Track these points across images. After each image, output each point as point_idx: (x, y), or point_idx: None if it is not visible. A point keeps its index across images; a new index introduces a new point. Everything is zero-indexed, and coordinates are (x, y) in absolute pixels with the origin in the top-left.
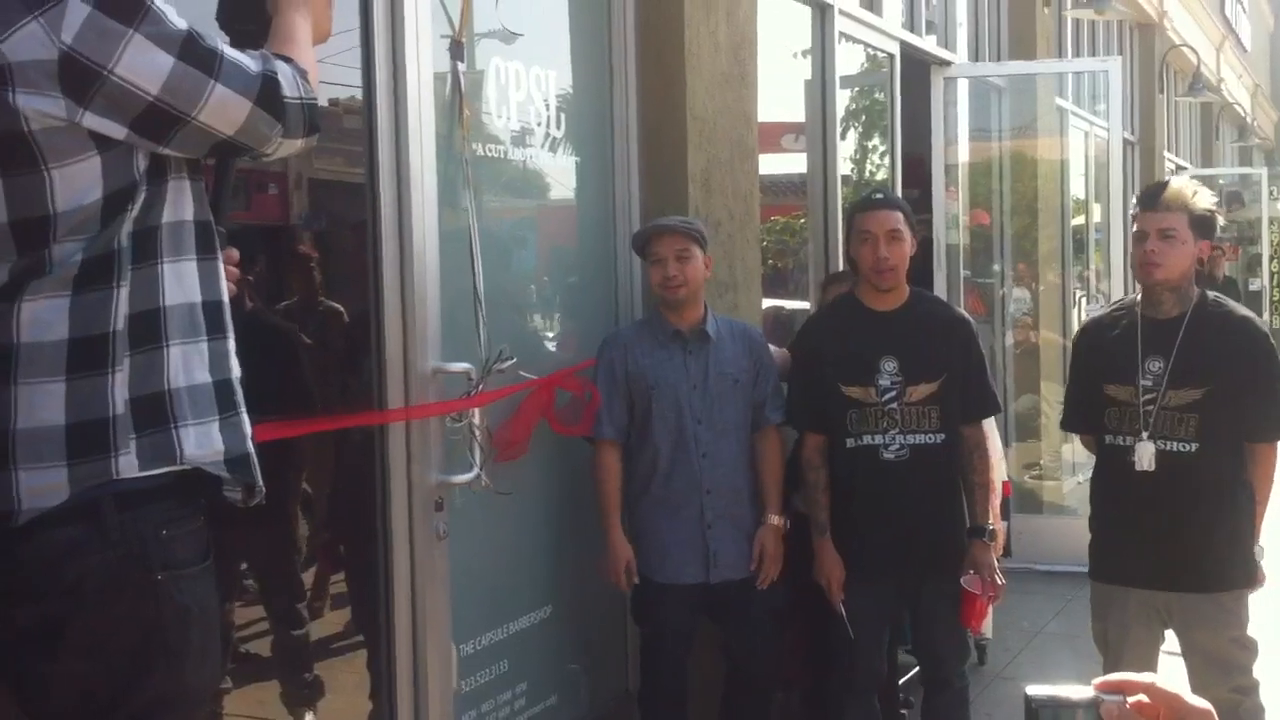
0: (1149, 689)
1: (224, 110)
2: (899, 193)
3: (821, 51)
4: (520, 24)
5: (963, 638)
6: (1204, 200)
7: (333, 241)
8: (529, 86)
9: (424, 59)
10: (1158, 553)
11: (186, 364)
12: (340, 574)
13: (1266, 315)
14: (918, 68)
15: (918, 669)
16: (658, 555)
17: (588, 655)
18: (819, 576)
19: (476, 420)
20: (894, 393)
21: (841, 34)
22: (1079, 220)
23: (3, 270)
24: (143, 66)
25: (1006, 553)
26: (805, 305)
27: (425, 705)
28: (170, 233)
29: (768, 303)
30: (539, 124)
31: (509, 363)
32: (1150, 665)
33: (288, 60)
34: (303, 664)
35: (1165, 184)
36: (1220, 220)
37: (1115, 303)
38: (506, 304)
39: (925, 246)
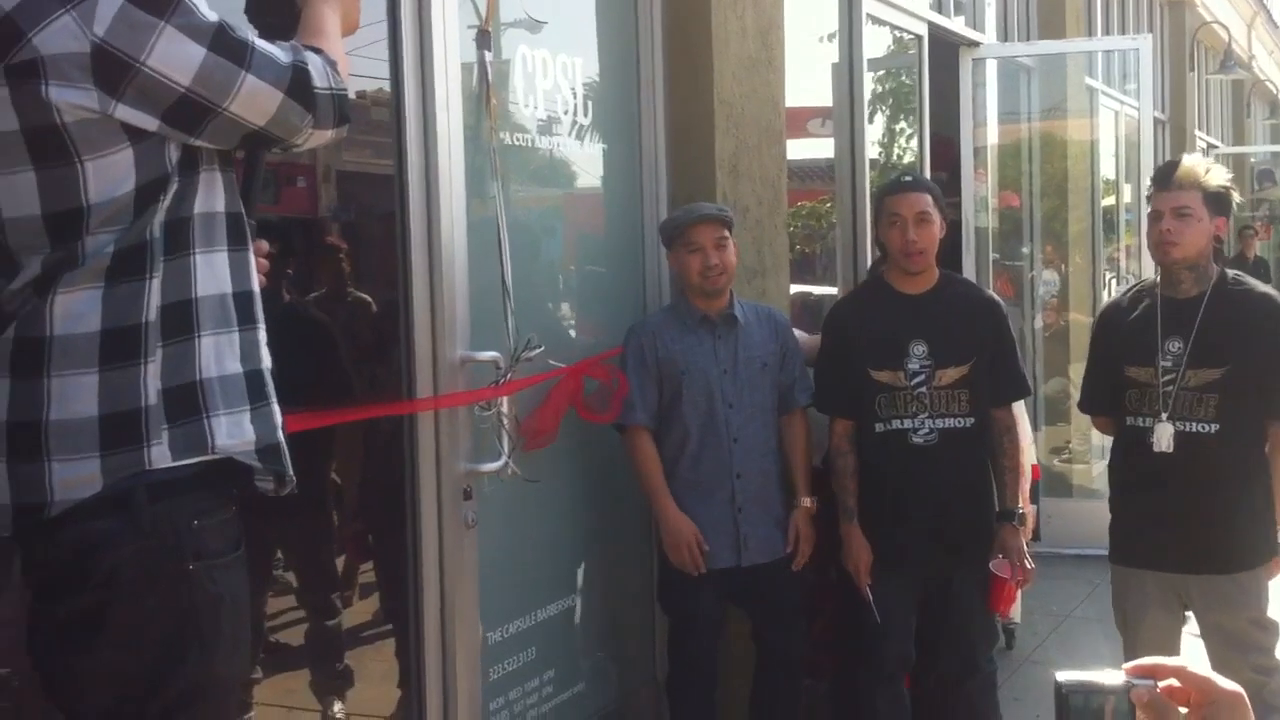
0: (1180, 673)
1: (255, 101)
2: (927, 175)
3: (849, 34)
4: (546, 12)
5: (991, 622)
6: (1217, 177)
7: (361, 233)
8: (556, 75)
9: (451, 49)
10: (1177, 535)
11: (218, 354)
12: (369, 563)
13: None
14: (946, 49)
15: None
16: None
17: (615, 643)
18: (847, 562)
19: (505, 409)
20: (923, 376)
21: (868, 16)
22: (1109, 201)
23: (35, 263)
24: (174, 58)
25: (1035, 537)
26: (833, 290)
27: (454, 693)
28: (202, 224)
29: (796, 288)
30: (566, 112)
31: (537, 351)
32: (1171, 648)
33: (318, 51)
34: (335, 653)
35: (1177, 162)
36: (1236, 196)
37: (1134, 285)
38: (534, 293)
39: (954, 229)
